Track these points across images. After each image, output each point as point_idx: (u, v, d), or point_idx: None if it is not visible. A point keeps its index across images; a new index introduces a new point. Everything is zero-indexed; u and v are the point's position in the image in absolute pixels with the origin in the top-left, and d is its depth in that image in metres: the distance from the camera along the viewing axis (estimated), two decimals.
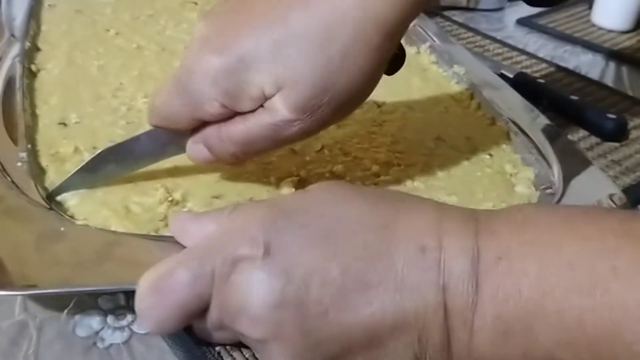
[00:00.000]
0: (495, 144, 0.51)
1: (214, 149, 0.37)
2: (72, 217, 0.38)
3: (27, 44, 0.55)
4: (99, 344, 0.33)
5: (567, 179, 0.46)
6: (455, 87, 0.60)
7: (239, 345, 0.32)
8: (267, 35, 0.33)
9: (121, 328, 0.34)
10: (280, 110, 0.34)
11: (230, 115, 0.36)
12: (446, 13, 0.86)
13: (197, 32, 0.36)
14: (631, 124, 0.61)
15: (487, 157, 0.49)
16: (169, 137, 0.39)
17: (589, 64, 0.75)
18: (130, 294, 0.31)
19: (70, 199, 0.39)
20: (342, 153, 0.47)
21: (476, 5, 0.89)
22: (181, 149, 0.39)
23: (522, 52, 0.76)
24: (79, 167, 0.39)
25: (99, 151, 0.39)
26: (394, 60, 0.39)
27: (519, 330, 0.26)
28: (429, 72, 0.62)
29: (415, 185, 0.44)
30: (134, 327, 0.35)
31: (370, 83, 0.36)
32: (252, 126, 0.35)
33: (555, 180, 0.46)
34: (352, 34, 0.33)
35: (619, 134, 0.59)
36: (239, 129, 0.36)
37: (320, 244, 0.28)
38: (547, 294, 0.26)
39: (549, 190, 0.45)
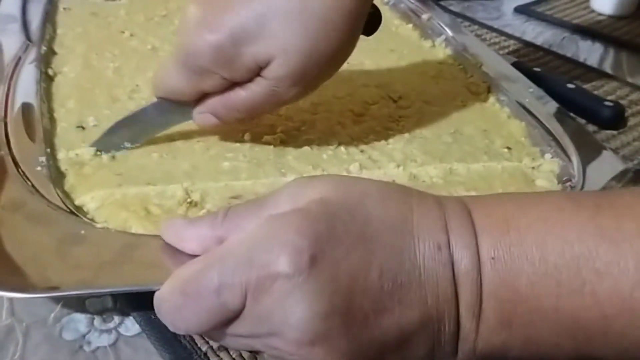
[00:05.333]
0: (513, 138, 0.51)
1: (221, 116, 0.42)
2: (92, 220, 0.38)
3: (44, 48, 0.56)
4: (86, 347, 0.33)
5: (584, 168, 0.46)
6: (471, 80, 0.59)
7: (252, 352, 0.32)
8: (251, 12, 0.38)
9: (108, 331, 0.34)
10: (276, 77, 0.39)
11: (229, 85, 0.40)
12: (443, 3, 0.85)
13: (188, 13, 0.40)
14: (629, 111, 0.60)
15: (506, 150, 0.49)
16: (174, 107, 0.43)
17: (588, 51, 0.74)
18: (146, 295, 0.31)
19: (90, 202, 0.39)
20: (358, 151, 0.47)
21: None
22: (186, 117, 0.44)
23: (520, 40, 0.75)
24: (100, 135, 0.44)
25: (113, 123, 0.44)
26: (370, 21, 0.42)
27: (520, 323, 0.28)
28: (444, 66, 0.62)
29: (434, 182, 0.44)
30: (121, 330, 0.35)
31: (349, 44, 0.41)
32: (254, 94, 0.40)
33: (574, 173, 0.46)
34: (326, 2, 0.38)
35: (616, 121, 0.58)
36: (242, 97, 0.40)
37: (358, 248, 0.27)
38: (542, 295, 0.27)
39: (569, 184, 0.45)
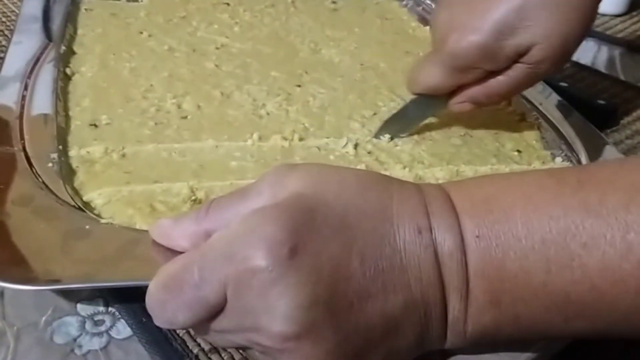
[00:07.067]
0: (524, 141, 0.51)
1: (480, 102, 0.47)
2: (98, 216, 0.38)
3: (63, 48, 0.57)
4: (77, 351, 0.33)
5: None
6: None
7: (238, 348, 0.32)
8: (510, 7, 0.41)
9: (99, 334, 0.34)
10: (538, 61, 0.43)
11: (486, 74, 0.44)
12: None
13: (441, 17, 0.45)
14: (622, 109, 0.60)
15: (516, 154, 0.49)
16: (430, 100, 0.48)
17: (581, 49, 0.71)
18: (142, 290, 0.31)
19: (97, 199, 0.40)
20: (366, 152, 0.47)
21: None
22: (440, 108, 0.49)
23: None
24: (382, 122, 0.50)
25: (387, 118, 0.50)
26: None
27: (509, 300, 0.28)
28: None
29: (440, 183, 0.44)
30: (112, 333, 0.35)
31: (591, 23, 0.44)
32: (513, 79, 0.44)
33: None
34: None
35: (608, 120, 0.58)
36: (503, 83, 0.45)
37: (338, 236, 0.28)
38: (531, 271, 0.28)
39: None
